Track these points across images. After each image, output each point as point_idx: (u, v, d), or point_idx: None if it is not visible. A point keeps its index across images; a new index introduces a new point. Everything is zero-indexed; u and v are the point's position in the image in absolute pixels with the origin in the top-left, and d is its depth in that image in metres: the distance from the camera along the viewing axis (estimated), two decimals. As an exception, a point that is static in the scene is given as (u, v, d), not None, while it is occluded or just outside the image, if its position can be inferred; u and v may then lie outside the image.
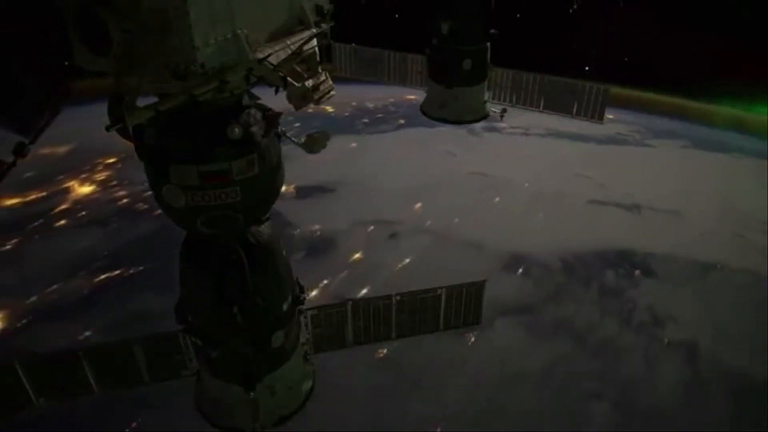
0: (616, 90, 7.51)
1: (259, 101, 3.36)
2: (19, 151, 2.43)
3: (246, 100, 3.22)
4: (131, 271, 18.09)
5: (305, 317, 4.50)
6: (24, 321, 16.01)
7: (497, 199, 22.89)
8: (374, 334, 4.85)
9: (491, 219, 21.39)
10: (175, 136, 3.04)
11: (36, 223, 20.34)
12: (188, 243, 3.62)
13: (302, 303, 4.15)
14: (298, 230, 20.63)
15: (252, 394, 3.87)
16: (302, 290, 4.13)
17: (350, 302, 4.74)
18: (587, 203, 22.26)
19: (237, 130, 3.01)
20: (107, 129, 2.60)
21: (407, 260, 19.35)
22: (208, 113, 3.01)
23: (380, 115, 30.53)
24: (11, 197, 20.88)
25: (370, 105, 31.09)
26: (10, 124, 2.42)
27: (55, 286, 17.21)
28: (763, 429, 12.86)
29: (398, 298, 4.79)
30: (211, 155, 3.05)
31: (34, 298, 16.65)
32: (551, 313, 16.89)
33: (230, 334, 3.64)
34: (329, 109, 29.02)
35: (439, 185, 23.18)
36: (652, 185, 22.62)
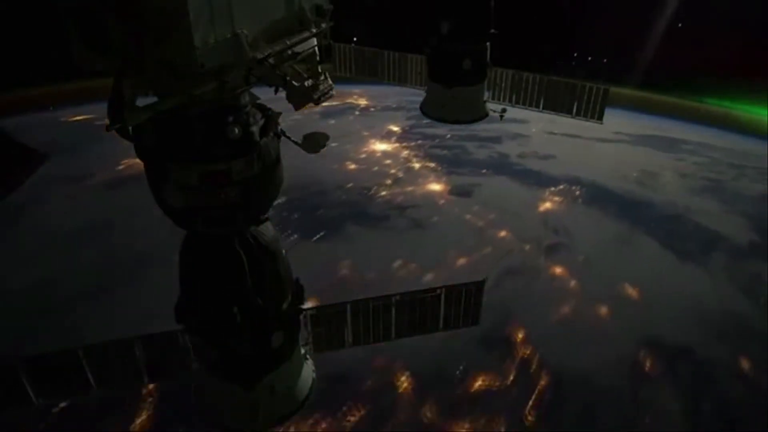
0: (615, 90, 7.52)
1: (259, 101, 3.36)
2: None
3: (245, 100, 3.22)
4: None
5: (305, 317, 4.50)
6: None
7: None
8: (374, 334, 4.85)
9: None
10: (175, 136, 3.04)
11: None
12: (188, 243, 3.62)
13: (302, 303, 4.15)
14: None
15: (252, 394, 3.87)
16: (302, 290, 4.13)
17: (350, 302, 4.74)
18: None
19: (236, 130, 3.01)
20: (107, 129, 2.60)
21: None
22: (207, 113, 3.01)
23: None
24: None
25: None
26: None
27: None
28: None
29: (398, 298, 4.78)
30: (211, 155, 3.05)
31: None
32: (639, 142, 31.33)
33: (230, 334, 3.64)
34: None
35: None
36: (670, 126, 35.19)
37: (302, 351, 4.40)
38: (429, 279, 16.55)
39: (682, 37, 28.71)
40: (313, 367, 4.53)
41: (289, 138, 3.52)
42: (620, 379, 13.75)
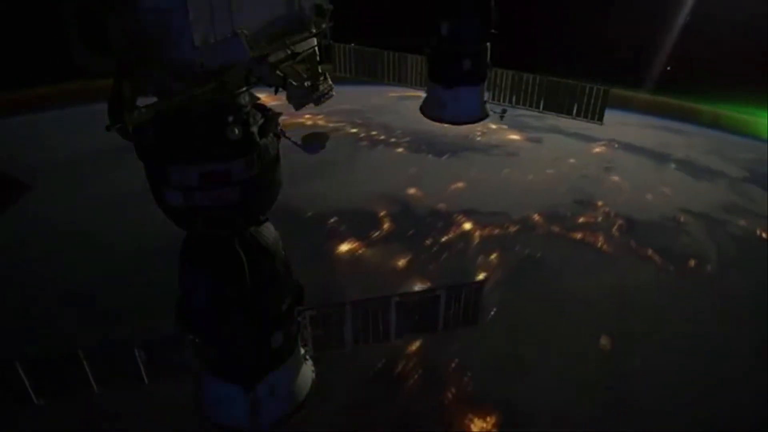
0: (615, 91, 7.51)
1: (259, 101, 3.36)
2: None
3: (245, 100, 3.22)
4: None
5: (304, 318, 4.50)
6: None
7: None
8: (373, 335, 4.85)
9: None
10: (175, 136, 3.03)
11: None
12: (188, 243, 3.61)
13: (301, 303, 4.15)
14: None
15: (251, 394, 3.87)
16: (301, 290, 4.13)
17: (349, 303, 4.74)
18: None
19: (236, 130, 3.01)
20: (107, 129, 2.60)
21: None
22: (207, 113, 3.01)
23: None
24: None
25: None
26: None
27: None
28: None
29: (397, 298, 4.78)
30: (211, 155, 3.05)
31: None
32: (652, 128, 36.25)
33: (230, 334, 3.64)
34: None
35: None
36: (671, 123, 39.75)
37: (302, 351, 4.40)
38: (530, 179, 27.34)
39: (679, 39, 29.10)
40: (313, 368, 4.53)
41: (288, 138, 3.52)
42: (667, 221, 24.41)
